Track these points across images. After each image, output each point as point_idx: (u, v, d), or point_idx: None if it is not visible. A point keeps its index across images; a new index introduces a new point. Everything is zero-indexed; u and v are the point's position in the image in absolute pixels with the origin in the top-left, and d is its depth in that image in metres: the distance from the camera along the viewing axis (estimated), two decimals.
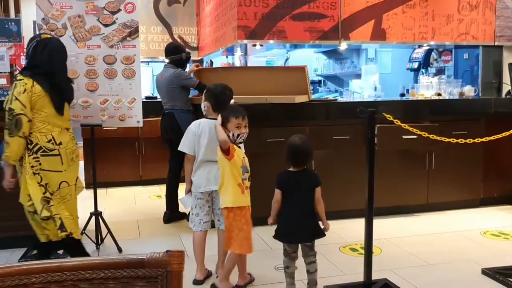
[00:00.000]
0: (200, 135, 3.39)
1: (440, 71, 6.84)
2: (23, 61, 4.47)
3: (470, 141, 3.76)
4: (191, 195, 3.53)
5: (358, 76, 7.49)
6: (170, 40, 8.03)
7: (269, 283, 3.43)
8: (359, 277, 3.31)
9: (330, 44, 5.87)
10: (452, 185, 5.21)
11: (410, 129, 3.41)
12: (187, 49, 5.18)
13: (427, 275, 3.58)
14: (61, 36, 3.96)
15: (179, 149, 3.50)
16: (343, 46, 5.67)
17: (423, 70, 6.86)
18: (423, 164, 5.09)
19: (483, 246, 4.20)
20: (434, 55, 7.15)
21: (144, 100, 6.86)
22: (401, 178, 5.02)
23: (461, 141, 3.77)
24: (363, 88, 7.14)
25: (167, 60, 8.65)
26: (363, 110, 2.97)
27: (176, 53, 4.99)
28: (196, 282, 3.48)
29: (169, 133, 4.91)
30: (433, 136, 3.69)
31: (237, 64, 8.41)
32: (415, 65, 7.31)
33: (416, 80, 6.82)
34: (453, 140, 3.77)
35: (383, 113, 3.13)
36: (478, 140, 3.77)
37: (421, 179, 5.11)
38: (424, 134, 3.53)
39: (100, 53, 4.00)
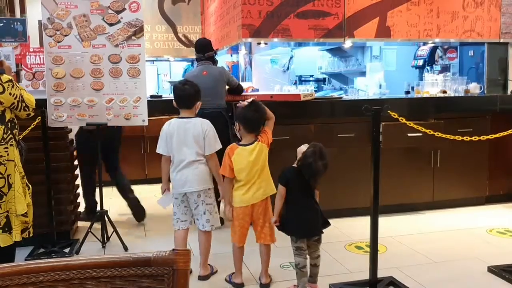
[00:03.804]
0: (172, 135, 3.41)
1: (445, 69, 6.81)
2: (28, 61, 4.48)
3: (475, 138, 3.75)
4: (167, 194, 3.57)
5: (363, 73, 7.47)
6: (175, 39, 8.05)
7: (275, 281, 3.43)
8: (365, 275, 3.31)
9: (335, 42, 5.85)
10: (457, 183, 5.20)
11: (416, 126, 3.41)
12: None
13: (432, 272, 3.57)
14: (66, 35, 3.98)
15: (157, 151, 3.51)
16: (347, 44, 5.66)
17: (428, 68, 6.83)
18: (428, 161, 5.08)
19: (489, 243, 4.19)
20: (439, 52, 7.11)
21: (149, 99, 6.88)
22: (406, 176, 5.01)
23: (467, 138, 3.75)
24: (368, 86, 7.11)
25: (171, 58, 8.66)
26: (368, 108, 2.97)
27: (211, 49, 4.83)
28: (200, 278, 3.52)
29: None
30: (438, 134, 3.68)
31: (242, 62, 8.42)
32: (420, 62, 7.27)
33: (421, 78, 6.79)
34: (459, 138, 3.76)
35: (388, 111, 3.13)
36: (483, 137, 3.76)
37: (426, 176, 5.10)
38: (430, 132, 3.52)
39: (105, 52, 4.02)
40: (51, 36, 3.98)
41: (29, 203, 3.40)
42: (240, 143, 3.27)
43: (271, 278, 3.42)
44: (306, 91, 5.77)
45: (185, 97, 3.44)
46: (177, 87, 3.52)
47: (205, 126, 3.40)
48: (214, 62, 4.89)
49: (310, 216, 3.10)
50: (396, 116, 3.25)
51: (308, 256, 3.17)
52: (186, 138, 3.37)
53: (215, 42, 7.09)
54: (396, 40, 5.64)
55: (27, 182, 3.39)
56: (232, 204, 3.28)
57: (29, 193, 3.41)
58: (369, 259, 3.20)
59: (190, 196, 3.44)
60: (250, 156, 3.19)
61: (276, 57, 8.37)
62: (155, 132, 6.29)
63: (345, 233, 4.43)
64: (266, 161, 3.27)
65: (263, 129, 3.29)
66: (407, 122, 3.30)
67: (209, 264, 3.61)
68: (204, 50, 4.81)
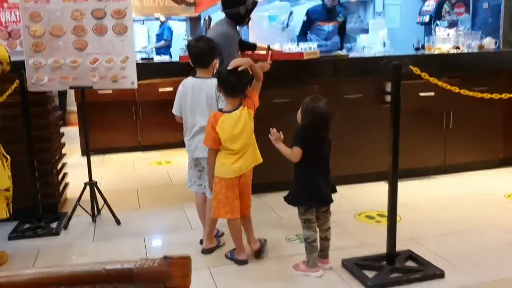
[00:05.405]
0: (186, 95, 3.15)
1: (452, 24, 6.42)
2: (3, 18, 4.06)
3: (496, 96, 3.40)
4: None
5: (365, 31, 7.08)
6: None
7: (282, 256, 3.14)
8: (379, 248, 3.01)
9: None
10: (470, 145, 4.88)
11: (439, 83, 3.02)
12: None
13: (453, 244, 3.27)
14: None
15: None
16: None
17: (438, 22, 6.45)
18: (440, 123, 4.74)
19: (508, 210, 3.90)
20: (446, 7, 6.75)
21: (140, 61, 6.47)
22: (416, 139, 4.66)
23: (487, 96, 3.42)
24: (371, 44, 6.73)
25: (162, 18, 8.23)
26: (388, 63, 2.62)
27: (233, 6, 3.86)
28: (203, 251, 3.24)
29: None
30: (456, 89, 3.33)
31: None
32: (426, 18, 6.92)
33: (426, 34, 6.42)
34: (477, 95, 3.42)
35: (410, 66, 2.77)
36: (505, 95, 3.41)
37: (438, 139, 4.77)
38: (455, 89, 3.13)
39: (87, 6, 3.60)
40: None
41: (9, 176, 3.08)
42: (224, 109, 2.91)
43: (260, 241, 3.18)
44: (308, 49, 5.37)
45: (198, 54, 3.14)
46: (190, 44, 3.24)
47: None
48: (240, 19, 3.97)
49: (324, 182, 2.81)
50: (419, 72, 2.89)
51: (317, 229, 2.88)
52: (200, 100, 3.09)
53: None
54: None
55: (4, 153, 3.05)
56: (220, 175, 2.93)
57: (7, 165, 3.08)
58: (387, 231, 2.89)
59: (201, 162, 3.20)
60: (237, 123, 2.84)
61: (274, 13, 7.92)
62: (147, 97, 6.00)
63: (353, 201, 4.13)
64: (252, 128, 2.93)
65: (249, 91, 2.93)
66: (430, 79, 2.93)
67: (214, 236, 3.35)
68: (223, 6, 3.98)
